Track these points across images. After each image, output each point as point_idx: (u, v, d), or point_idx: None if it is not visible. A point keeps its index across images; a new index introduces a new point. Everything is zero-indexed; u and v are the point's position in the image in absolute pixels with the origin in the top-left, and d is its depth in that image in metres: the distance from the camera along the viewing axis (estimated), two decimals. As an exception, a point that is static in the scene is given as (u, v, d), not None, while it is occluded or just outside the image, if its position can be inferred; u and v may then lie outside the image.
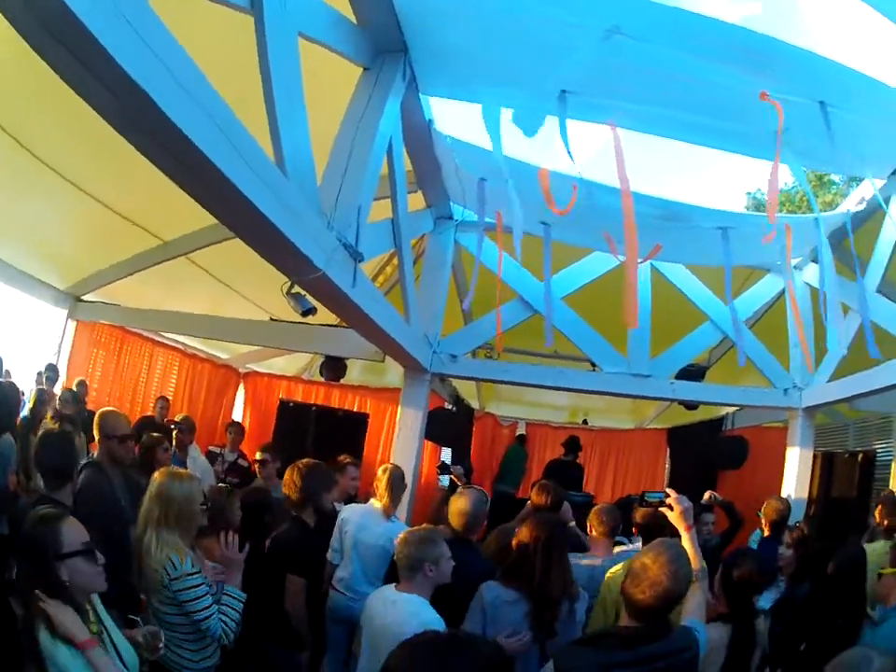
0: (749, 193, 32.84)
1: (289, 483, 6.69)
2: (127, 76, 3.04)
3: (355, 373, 15.74)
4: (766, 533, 9.05)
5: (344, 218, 5.96)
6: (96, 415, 6.92)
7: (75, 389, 11.39)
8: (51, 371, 11.56)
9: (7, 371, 12.63)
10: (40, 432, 7.81)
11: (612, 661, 4.00)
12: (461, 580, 5.76)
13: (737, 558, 5.80)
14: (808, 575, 6.92)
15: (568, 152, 6.42)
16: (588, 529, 7.43)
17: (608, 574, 6.32)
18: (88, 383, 12.10)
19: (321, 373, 15.44)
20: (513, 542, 5.93)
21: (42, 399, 9.88)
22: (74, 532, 4.05)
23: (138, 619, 4.76)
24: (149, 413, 12.94)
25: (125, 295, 12.22)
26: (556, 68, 6.36)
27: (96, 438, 6.79)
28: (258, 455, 10.65)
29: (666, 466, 18.99)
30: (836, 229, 8.79)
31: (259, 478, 10.39)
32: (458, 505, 6.53)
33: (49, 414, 9.65)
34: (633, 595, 4.14)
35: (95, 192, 9.02)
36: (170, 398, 13.73)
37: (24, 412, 9.86)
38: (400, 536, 5.47)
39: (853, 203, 8.69)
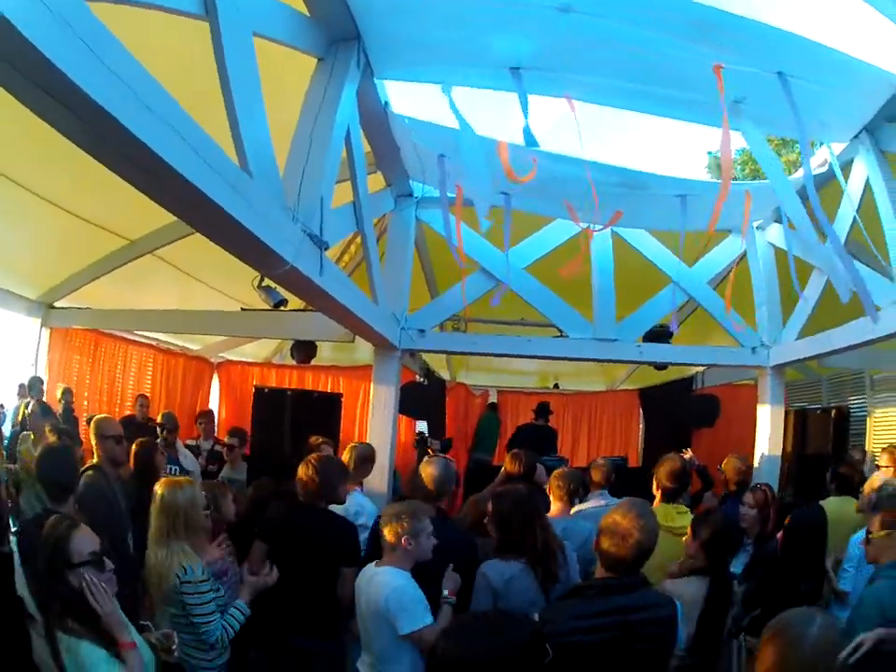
0: (709, 153, 33.08)
1: (306, 478, 6.63)
2: (88, 97, 3.19)
3: (325, 353, 15.84)
4: (731, 488, 9.22)
5: (308, 209, 6.11)
6: (92, 422, 7.18)
7: (60, 396, 11.43)
8: (38, 382, 11.51)
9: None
10: (41, 447, 7.64)
11: (590, 610, 4.29)
12: (441, 548, 5.83)
13: (705, 516, 6.24)
14: (775, 534, 7.10)
15: (527, 129, 6.58)
16: (548, 491, 7.63)
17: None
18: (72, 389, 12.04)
19: (292, 356, 15.56)
20: (489, 516, 5.98)
21: (46, 411, 10.09)
22: (84, 542, 4.19)
23: (149, 623, 4.95)
24: (129, 413, 13.08)
25: (97, 297, 12.29)
26: (508, 45, 6.49)
27: (93, 442, 6.97)
28: (226, 440, 11.32)
29: (640, 426, 19.16)
30: (799, 189, 8.57)
31: (227, 462, 11.06)
32: (426, 472, 6.76)
33: (48, 427, 9.54)
34: (607, 549, 4.42)
35: (54, 198, 9.08)
36: (148, 394, 13.86)
37: (6, 425, 10.13)
38: (385, 507, 5.75)
39: (816, 163, 8.63)
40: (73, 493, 6.21)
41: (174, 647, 4.71)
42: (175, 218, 8.69)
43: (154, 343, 15.21)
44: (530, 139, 6.66)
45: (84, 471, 6.71)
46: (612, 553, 4.42)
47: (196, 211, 4.70)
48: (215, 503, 6.10)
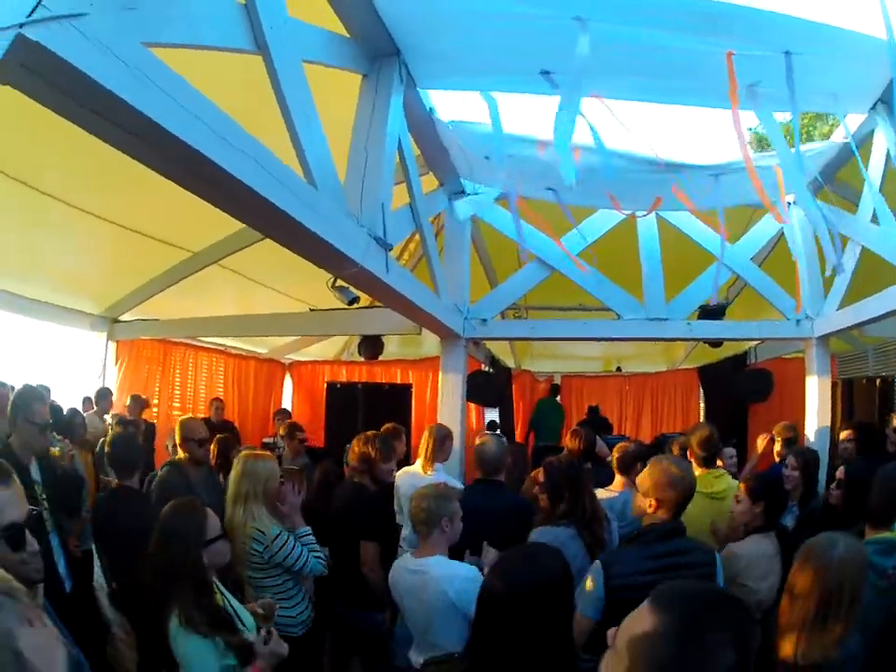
0: (750, 129, 33.07)
1: (352, 453, 7.34)
2: (175, 137, 3.71)
3: (391, 348, 15.91)
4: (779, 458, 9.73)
5: (371, 215, 6.51)
6: (177, 423, 7.67)
7: (128, 404, 12.17)
8: (107, 394, 12.18)
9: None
10: (108, 435, 8.60)
11: (649, 553, 4.91)
12: (492, 513, 6.57)
13: (760, 477, 6.87)
14: (815, 493, 7.60)
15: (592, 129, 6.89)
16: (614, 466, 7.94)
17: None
18: (142, 396, 12.62)
19: (359, 352, 15.62)
20: (539, 488, 6.55)
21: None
22: (213, 519, 4.64)
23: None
24: (204, 415, 13.43)
25: (162, 308, 12.70)
26: (534, 54, 6.74)
27: (178, 442, 7.50)
28: (282, 431, 11.58)
29: (701, 404, 19.17)
30: (829, 161, 9.11)
31: (288, 452, 11.21)
32: (480, 449, 7.25)
33: (115, 420, 10.70)
34: (660, 497, 5.07)
35: (111, 216, 9.47)
36: (221, 397, 14.35)
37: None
38: (416, 492, 5.70)
39: (840, 136, 8.90)
40: (137, 470, 7.26)
41: (275, 613, 5.04)
42: (235, 229, 9.50)
43: (223, 348, 15.67)
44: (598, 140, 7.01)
45: (161, 468, 7.44)
46: (660, 504, 5.06)
47: (273, 224, 5.25)
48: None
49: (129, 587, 6.51)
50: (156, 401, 14.04)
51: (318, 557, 6.06)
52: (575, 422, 17.84)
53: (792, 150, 7.44)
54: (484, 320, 10.99)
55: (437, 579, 5.17)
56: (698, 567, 4.95)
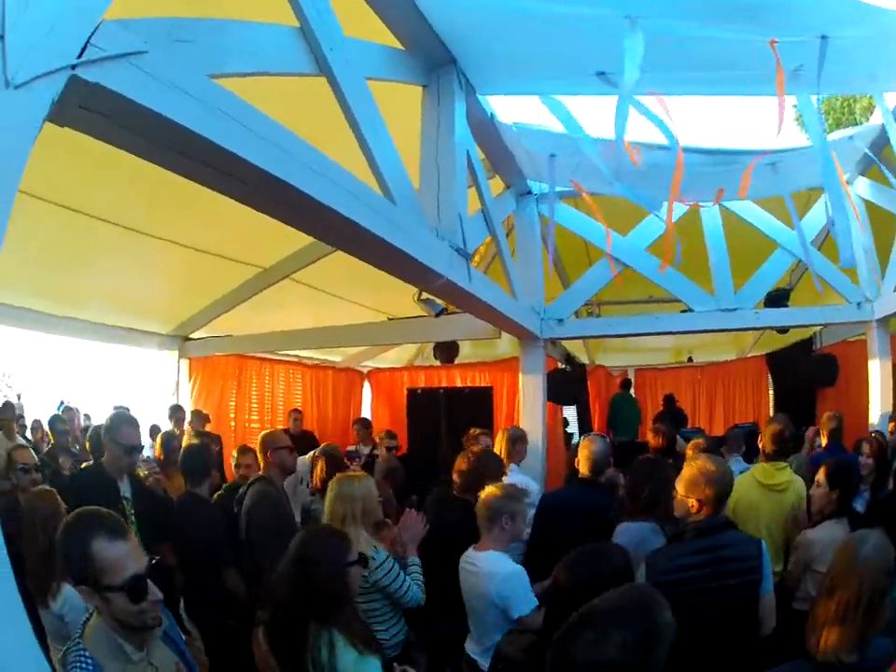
0: (795, 106, 32.80)
1: (458, 471, 7.17)
2: (255, 166, 3.77)
3: (465, 350, 16.07)
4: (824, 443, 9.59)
5: (449, 226, 6.56)
6: (259, 437, 7.81)
7: (189, 420, 12.22)
8: (178, 409, 12.24)
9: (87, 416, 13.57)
10: (184, 444, 9.04)
11: (686, 550, 4.94)
12: (590, 515, 6.54)
13: (836, 465, 6.60)
14: (887, 479, 7.52)
15: (662, 126, 6.72)
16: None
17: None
18: (202, 411, 12.69)
19: (435, 357, 15.88)
20: (629, 486, 6.41)
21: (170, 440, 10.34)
22: (352, 543, 4.57)
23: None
24: (283, 427, 13.36)
25: (234, 323, 12.74)
26: (589, 54, 6.67)
27: (261, 456, 7.59)
28: (381, 440, 11.44)
29: (770, 391, 18.73)
30: (875, 139, 9.04)
31: (382, 463, 11.07)
32: (587, 449, 7.22)
33: (191, 431, 11.02)
34: (698, 496, 5.05)
35: (179, 239, 9.54)
36: (300, 408, 14.30)
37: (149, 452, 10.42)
38: (487, 490, 5.74)
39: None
40: (208, 477, 7.56)
41: None
42: (305, 244, 9.64)
43: (296, 359, 15.65)
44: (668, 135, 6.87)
45: (250, 484, 7.38)
46: (698, 501, 5.04)
47: (360, 244, 5.45)
48: (384, 497, 6.54)
49: (196, 592, 6.86)
50: (233, 416, 13.90)
51: (419, 586, 5.90)
52: (650, 415, 18.18)
53: (869, 113, 7.42)
54: (561, 320, 10.99)
55: (485, 574, 5.34)
56: (740, 560, 4.94)
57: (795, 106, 30.06)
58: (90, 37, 2.84)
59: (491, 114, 8.19)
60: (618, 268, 10.57)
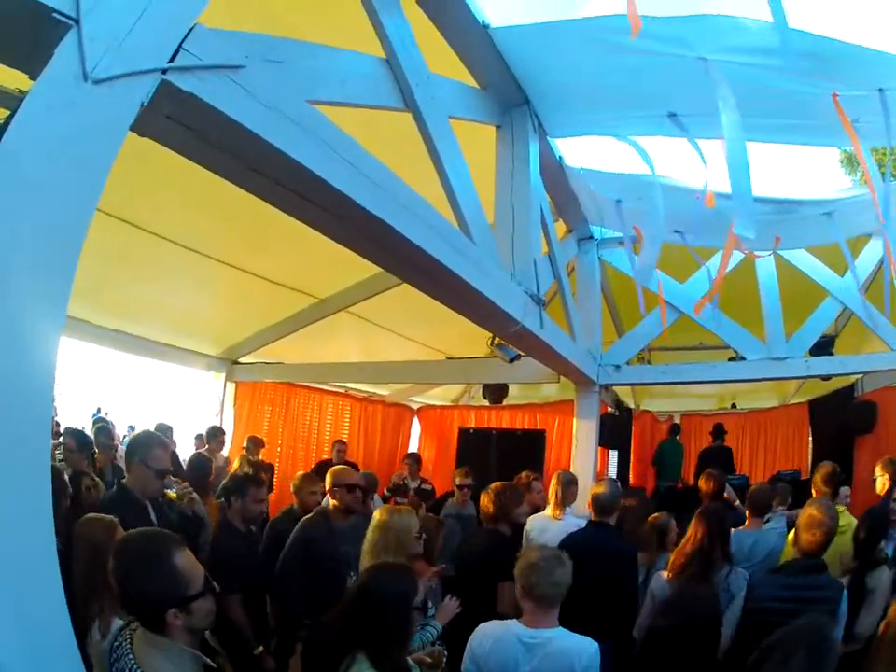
0: (840, 147, 33.14)
1: (485, 503, 7.18)
2: (351, 200, 3.59)
3: (512, 391, 15.87)
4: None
5: (524, 270, 6.40)
6: (329, 472, 7.56)
7: (245, 445, 12.00)
8: (216, 432, 12.04)
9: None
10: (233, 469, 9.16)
11: (783, 583, 5.40)
12: (591, 555, 6.25)
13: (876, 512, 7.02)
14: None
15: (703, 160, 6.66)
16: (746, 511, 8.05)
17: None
18: (259, 437, 12.51)
19: (484, 396, 15.73)
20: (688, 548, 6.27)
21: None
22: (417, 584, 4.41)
23: None
24: (326, 457, 13.36)
25: (283, 351, 12.56)
26: (660, 93, 6.58)
27: (327, 489, 7.50)
28: (459, 481, 11.10)
29: (810, 438, 18.46)
30: None
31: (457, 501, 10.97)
32: (593, 492, 7.24)
33: (247, 460, 10.66)
34: (803, 538, 5.54)
35: (234, 261, 9.41)
36: (345, 440, 14.11)
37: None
38: (542, 555, 4.99)
39: None
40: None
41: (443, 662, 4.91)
42: (363, 277, 9.68)
43: (342, 391, 15.50)
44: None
45: (308, 517, 7.19)
46: (805, 543, 5.51)
47: (443, 286, 5.35)
48: (428, 534, 6.23)
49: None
50: (279, 442, 13.77)
51: (422, 644, 5.56)
52: (693, 460, 17.82)
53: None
54: (618, 366, 10.80)
55: (562, 651, 4.72)
56: (824, 602, 5.28)
57: (844, 150, 30.24)
58: (182, 41, 2.58)
59: (559, 157, 8.01)
60: (674, 315, 10.50)
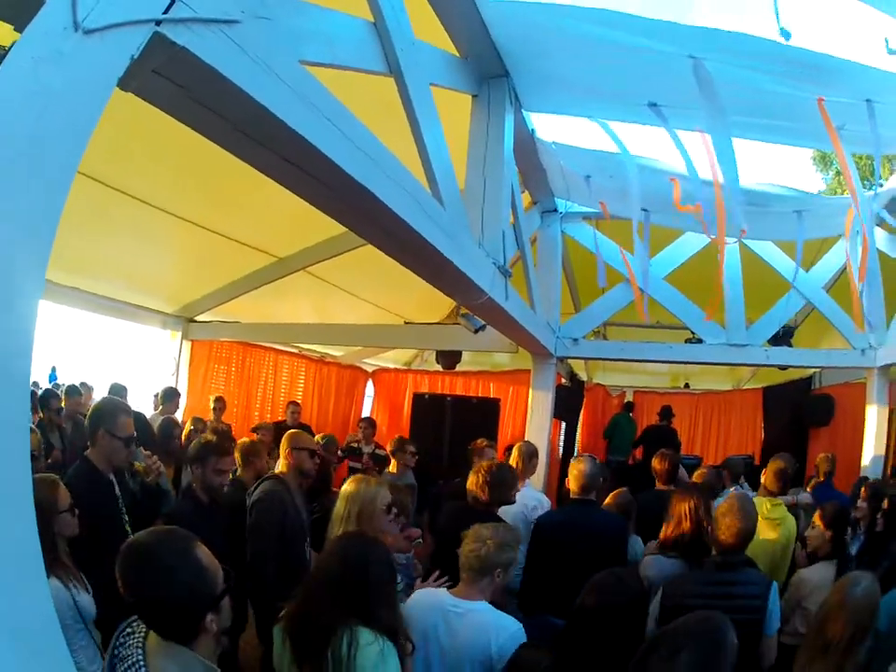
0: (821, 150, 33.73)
1: (476, 487, 6.81)
2: (354, 180, 3.61)
3: (465, 357, 15.35)
4: (821, 479, 10.28)
5: (493, 242, 6.34)
6: (286, 435, 7.00)
7: (213, 406, 11.81)
8: (172, 393, 11.66)
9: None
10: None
11: (703, 580, 5.28)
12: (585, 533, 6.50)
13: (829, 507, 6.76)
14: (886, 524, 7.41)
15: (685, 154, 6.85)
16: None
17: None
18: (223, 398, 12.30)
19: (437, 361, 15.29)
20: (675, 520, 6.13)
21: (197, 428, 9.97)
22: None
23: None
24: (281, 419, 13.09)
25: (240, 310, 12.38)
26: (644, 84, 6.61)
27: (283, 453, 6.87)
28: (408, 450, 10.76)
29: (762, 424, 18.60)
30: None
31: (394, 467, 10.64)
32: (577, 469, 7.00)
33: (210, 426, 10.25)
34: (718, 535, 5.36)
35: (193, 218, 9.09)
36: (299, 401, 13.92)
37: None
38: (473, 530, 5.08)
39: None
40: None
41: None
42: (323, 238, 9.71)
43: (296, 351, 15.33)
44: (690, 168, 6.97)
45: (263, 480, 6.73)
46: (722, 538, 5.33)
47: (422, 258, 5.31)
48: (400, 504, 6.16)
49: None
50: (235, 402, 13.52)
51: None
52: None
53: (868, 191, 7.84)
54: (576, 340, 11.01)
55: (481, 625, 4.69)
56: (747, 598, 5.18)
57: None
58: (177, -9, 2.37)
59: (532, 129, 7.97)
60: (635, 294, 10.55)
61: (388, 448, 11.14)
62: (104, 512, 5.29)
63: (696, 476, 8.72)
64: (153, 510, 6.18)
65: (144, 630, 2.94)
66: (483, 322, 8.27)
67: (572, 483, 7.03)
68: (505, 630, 4.64)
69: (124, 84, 2.42)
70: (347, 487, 5.71)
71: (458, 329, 9.83)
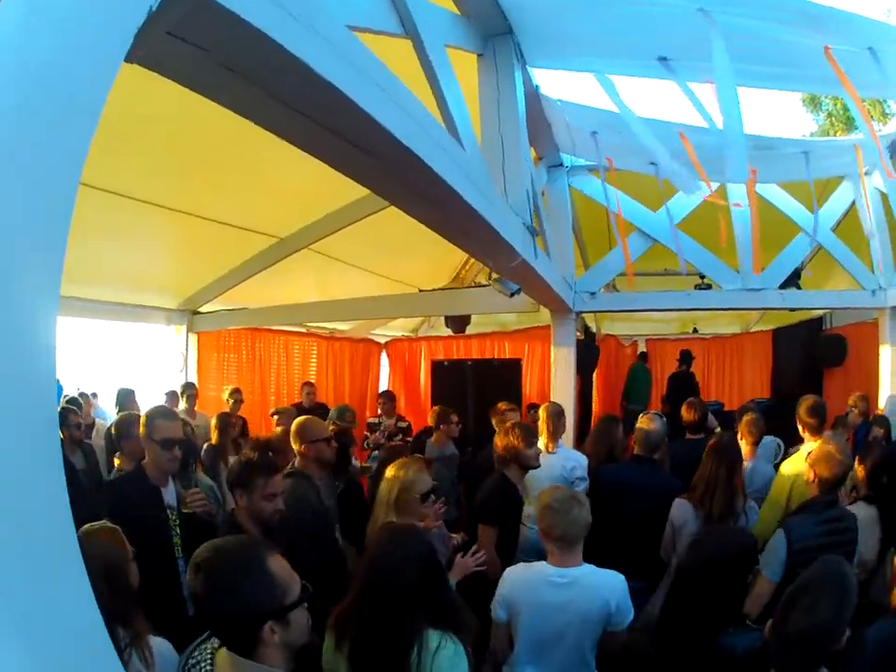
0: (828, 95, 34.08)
1: (496, 443, 6.99)
2: (406, 149, 3.44)
3: (474, 318, 15.46)
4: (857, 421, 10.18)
5: (519, 202, 6.28)
6: (294, 426, 6.62)
7: (229, 399, 11.41)
8: (190, 388, 11.47)
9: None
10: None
11: (816, 520, 5.42)
12: (648, 494, 6.70)
13: (869, 449, 6.90)
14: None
15: (699, 105, 6.58)
16: (739, 437, 7.83)
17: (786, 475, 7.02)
18: (239, 389, 11.95)
19: (447, 325, 15.39)
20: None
21: (226, 422, 9.32)
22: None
23: None
24: (297, 401, 12.87)
25: (244, 296, 12.07)
26: (653, 39, 6.55)
27: (298, 446, 6.49)
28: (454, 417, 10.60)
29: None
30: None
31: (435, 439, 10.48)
32: (646, 426, 7.18)
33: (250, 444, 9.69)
34: (823, 473, 5.62)
35: (185, 207, 8.68)
36: (313, 381, 13.78)
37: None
38: (553, 497, 4.87)
39: None
40: None
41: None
42: (323, 214, 9.51)
43: (304, 331, 15.10)
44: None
45: (284, 477, 6.13)
46: (826, 476, 5.60)
47: (466, 227, 5.23)
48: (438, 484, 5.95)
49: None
50: (250, 390, 13.22)
51: None
52: (660, 385, 18.43)
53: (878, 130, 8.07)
54: (593, 293, 10.93)
55: (596, 587, 4.68)
56: (850, 531, 5.50)
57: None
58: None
59: (536, 86, 7.90)
60: (648, 242, 10.71)
61: (430, 421, 10.77)
62: (147, 514, 5.14)
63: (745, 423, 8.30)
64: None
65: (216, 643, 2.91)
66: (518, 286, 8.11)
67: (638, 442, 7.18)
68: (617, 586, 4.70)
69: (132, 51, 1.97)
70: (390, 471, 5.57)
71: (471, 292, 10.17)
